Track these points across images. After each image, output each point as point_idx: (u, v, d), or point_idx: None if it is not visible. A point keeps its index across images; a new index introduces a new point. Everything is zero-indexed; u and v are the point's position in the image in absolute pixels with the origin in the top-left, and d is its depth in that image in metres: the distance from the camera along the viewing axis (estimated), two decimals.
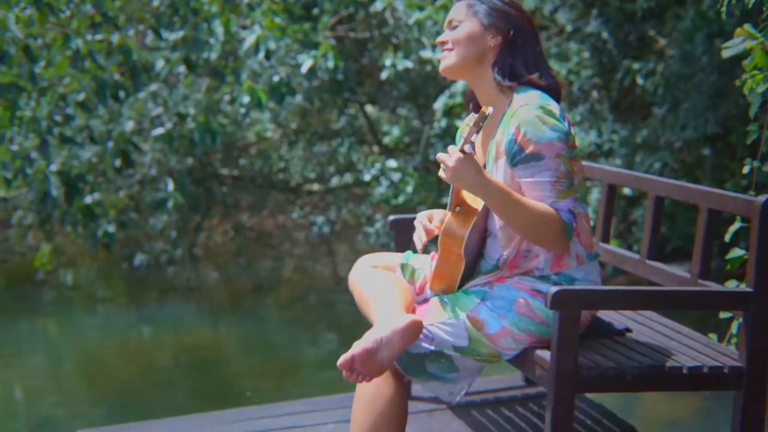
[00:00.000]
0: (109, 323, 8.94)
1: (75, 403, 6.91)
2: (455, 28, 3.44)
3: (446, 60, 3.44)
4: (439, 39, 3.47)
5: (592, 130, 9.74)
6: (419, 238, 3.48)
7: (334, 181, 11.58)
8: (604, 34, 9.78)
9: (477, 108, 3.53)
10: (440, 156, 3.18)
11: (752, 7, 3.87)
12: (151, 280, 10.24)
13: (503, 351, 3.35)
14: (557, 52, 10.00)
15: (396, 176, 10.11)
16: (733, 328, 4.05)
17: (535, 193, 3.24)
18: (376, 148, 11.54)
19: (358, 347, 3.21)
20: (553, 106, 3.29)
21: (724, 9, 3.94)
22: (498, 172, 3.33)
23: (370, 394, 3.39)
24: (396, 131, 10.62)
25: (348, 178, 11.43)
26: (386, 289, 3.47)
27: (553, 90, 3.40)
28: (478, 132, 3.13)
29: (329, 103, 10.95)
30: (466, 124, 3.61)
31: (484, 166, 3.38)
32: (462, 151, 3.15)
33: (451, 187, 3.37)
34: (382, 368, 3.23)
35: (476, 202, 3.39)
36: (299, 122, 11.74)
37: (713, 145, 9.07)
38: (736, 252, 3.94)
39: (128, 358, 7.82)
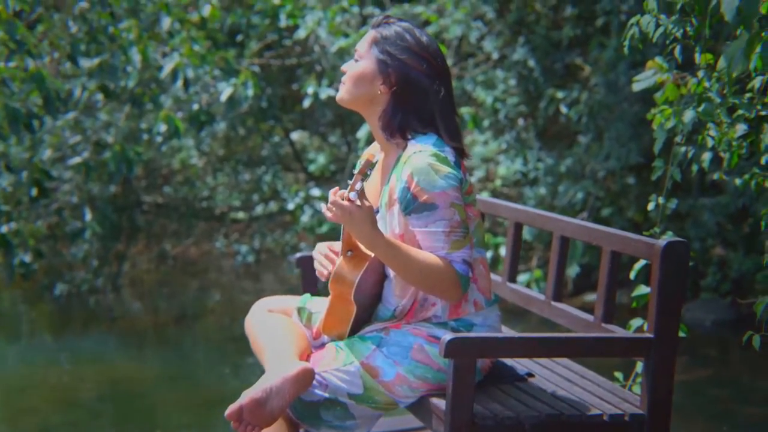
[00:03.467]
0: (29, 353, 8.78)
1: None
2: (358, 59, 3.34)
3: (340, 92, 3.37)
4: (343, 67, 3.40)
5: (518, 158, 9.74)
6: (323, 266, 3.40)
7: (259, 210, 11.48)
8: (530, 62, 9.79)
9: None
10: (333, 199, 3.09)
11: (656, 41, 3.83)
12: (72, 310, 10.08)
13: (399, 399, 3.27)
14: (483, 80, 10.00)
15: (320, 205, 10.04)
16: (638, 367, 4.00)
17: (429, 244, 3.17)
18: (301, 176, 11.46)
19: (246, 397, 3.12)
20: (448, 153, 3.21)
21: (626, 43, 3.90)
22: (392, 219, 3.24)
23: None
24: (321, 159, 10.56)
25: (272, 206, 11.34)
26: (279, 335, 3.39)
27: (454, 149, 3.26)
28: (363, 180, 3.04)
29: (253, 130, 10.87)
30: (367, 154, 3.53)
31: (377, 211, 3.29)
32: (348, 198, 3.07)
33: (342, 229, 3.28)
34: (273, 418, 3.14)
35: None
36: (224, 149, 11.64)
37: (638, 174, 9.09)
38: (642, 290, 3.90)
39: (48, 391, 7.66)
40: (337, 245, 3.48)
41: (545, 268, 9.30)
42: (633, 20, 3.89)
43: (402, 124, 3.26)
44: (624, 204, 9.09)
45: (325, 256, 3.43)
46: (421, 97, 3.26)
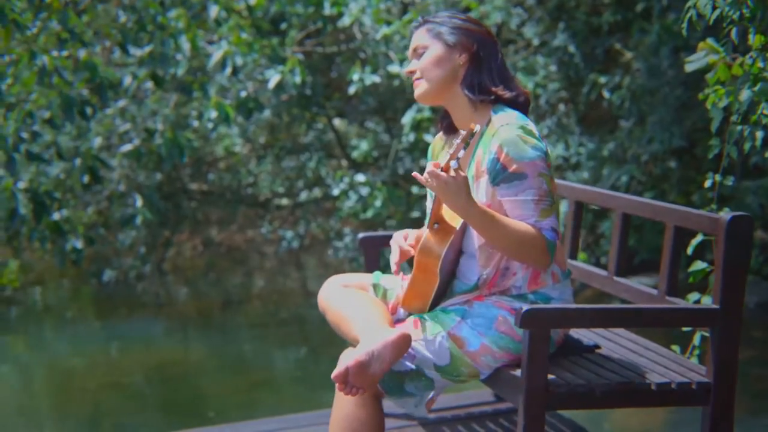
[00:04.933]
0: (77, 340, 8.89)
1: (42, 422, 6.87)
2: (421, 55, 3.46)
3: (419, 88, 3.46)
4: (408, 69, 3.49)
5: (560, 144, 9.80)
6: (394, 258, 3.49)
7: (303, 196, 11.58)
8: (571, 48, 9.84)
9: (449, 129, 3.55)
10: (431, 169, 3.17)
11: (713, 23, 3.91)
12: (119, 296, 10.20)
13: (482, 369, 3.36)
14: (524, 66, 10.06)
15: (364, 190, 10.12)
16: (695, 339, 4.08)
17: (519, 212, 3.27)
18: (344, 162, 11.55)
19: (351, 359, 3.18)
20: (532, 126, 3.32)
21: (684, 25, 3.97)
22: (479, 191, 3.34)
23: (349, 417, 3.38)
24: (364, 145, 10.64)
25: (317, 192, 11.45)
26: (366, 306, 3.45)
27: (522, 102, 3.43)
28: (465, 148, 3.14)
29: (297, 117, 10.96)
30: (439, 140, 3.63)
31: None
32: (447, 167, 3.16)
33: (432, 203, 3.37)
34: (374, 381, 3.22)
35: (455, 221, 3.39)
36: (267, 137, 11.74)
37: (679, 158, 9.14)
38: (699, 265, 3.96)
39: (96, 375, 7.77)
40: (412, 232, 3.54)
41: (588, 251, 9.38)
42: (690, 2, 3.95)
43: (488, 78, 3.40)
44: (666, 188, 9.14)
45: (400, 249, 3.49)
46: (493, 52, 3.45)
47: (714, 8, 3.91)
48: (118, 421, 6.79)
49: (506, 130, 3.27)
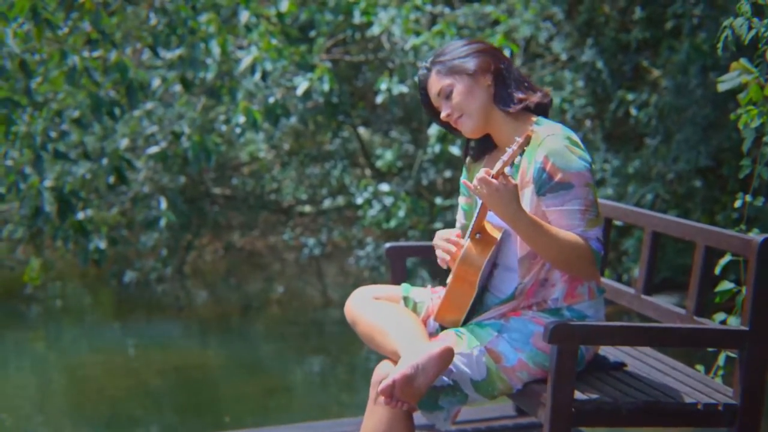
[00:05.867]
0: (96, 340, 8.92)
1: (58, 421, 6.89)
2: (448, 95, 3.43)
3: (466, 125, 3.43)
4: (444, 115, 3.45)
5: None
6: (444, 255, 3.44)
7: (326, 203, 11.60)
8: (599, 64, 9.83)
9: (480, 153, 3.55)
10: (482, 176, 3.17)
11: (748, 43, 3.90)
12: (139, 298, 10.23)
13: (516, 385, 3.35)
14: (551, 81, 10.05)
15: (388, 200, 10.12)
16: (720, 360, 4.06)
17: (565, 222, 3.26)
18: (368, 172, 11.56)
19: (397, 373, 3.16)
20: (577, 138, 3.33)
21: (720, 45, 3.97)
22: (524, 201, 3.32)
23: (379, 430, 3.34)
24: (389, 155, 10.64)
25: (340, 200, 11.46)
26: (402, 319, 3.43)
27: (549, 102, 3.46)
28: (521, 155, 3.14)
29: (324, 125, 10.97)
30: (470, 163, 3.62)
31: None
32: (501, 173, 3.15)
33: (476, 212, 3.36)
34: (419, 394, 3.19)
35: (495, 232, 3.38)
36: (293, 143, 11.76)
37: (705, 177, 9.11)
38: (726, 285, 3.94)
39: (114, 376, 7.80)
40: (451, 233, 3.50)
41: (609, 267, 9.35)
42: (726, 23, 3.95)
43: (515, 89, 3.41)
44: (690, 207, 9.12)
45: (450, 241, 3.45)
46: (507, 62, 3.46)
47: (750, 28, 3.91)
48: (134, 423, 6.80)
49: (553, 140, 3.27)
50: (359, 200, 10.37)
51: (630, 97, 9.50)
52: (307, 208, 11.98)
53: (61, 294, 10.56)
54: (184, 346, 8.76)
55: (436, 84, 3.46)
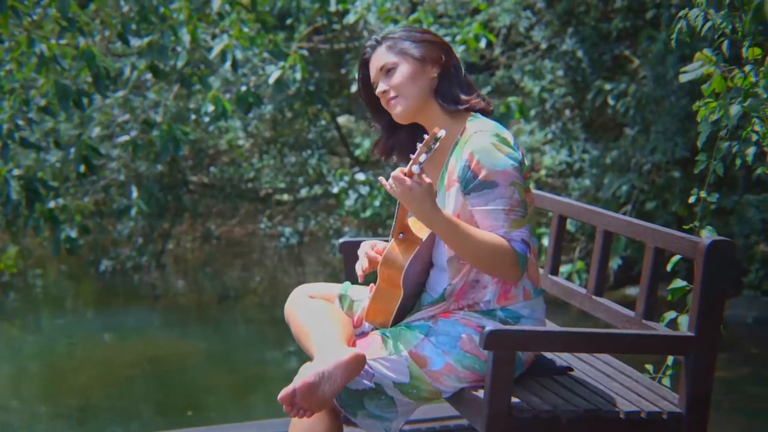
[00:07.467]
0: (72, 328, 8.88)
1: (32, 410, 6.84)
2: (389, 72, 3.34)
3: (398, 107, 3.33)
4: (379, 91, 3.35)
5: (564, 149, 9.72)
6: (360, 265, 3.41)
7: (304, 192, 11.52)
8: (579, 53, 9.75)
9: (386, 148, 3.48)
10: (396, 174, 3.09)
11: (704, 34, 3.82)
12: (116, 286, 10.19)
13: (444, 389, 3.27)
14: (531, 69, 9.98)
15: (365, 189, 10.04)
16: (669, 360, 3.97)
17: (488, 222, 3.17)
18: (347, 160, 11.49)
19: (299, 381, 3.10)
20: (508, 135, 3.24)
21: (674, 37, 3.90)
22: (449, 201, 3.25)
23: (305, 431, 3.29)
24: (367, 143, 10.57)
25: (317, 189, 11.37)
26: (326, 321, 3.36)
27: (491, 112, 3.37)
28: (428, 153, 3.04)
29: (300, 113, 10.88)
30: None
31: (435, 194, 3.28)
32: (410, 172, 3.06)
33: (396, 211, 3.28)
34: (324, 403, 3.13)
35: (421, 232, 3.30)
36: (271, 132, 11.68)
37: (683, 168, 9.04)
38: (678, 283, 3.86)
39: (89, 365, 7.76)
40: (381, 243, 3.45)
41: (587, 259, 9.29)
42: (681, 13, 3.88)
43: (459, 88, 3.34)
44: (668, 198, 9.05)
45: (367, 256, 3.40)
46: (457, 62, 3.40)
47: (706, 20, 3.83)
48: (106, 413, 6.76)
49: (479, 138, 3.19)
50: (335, 189, 10.30)
51: (608, 86, 9.42)
52: (285, 197, 11.90)
53: (39, 281, 10.50)
54: (160, 335, 8.73)
55: (381, 58, 3.36)
